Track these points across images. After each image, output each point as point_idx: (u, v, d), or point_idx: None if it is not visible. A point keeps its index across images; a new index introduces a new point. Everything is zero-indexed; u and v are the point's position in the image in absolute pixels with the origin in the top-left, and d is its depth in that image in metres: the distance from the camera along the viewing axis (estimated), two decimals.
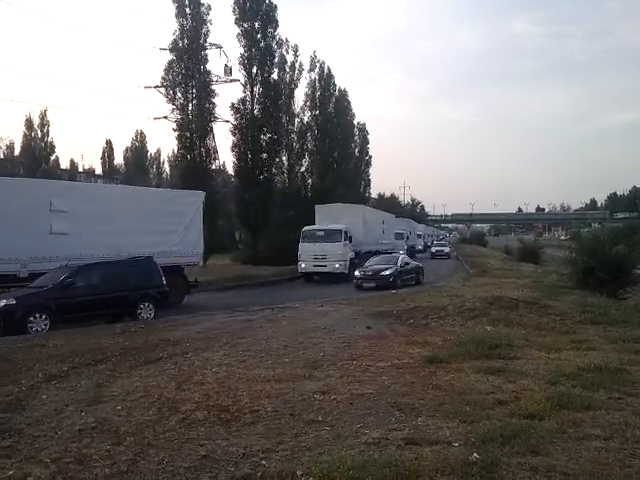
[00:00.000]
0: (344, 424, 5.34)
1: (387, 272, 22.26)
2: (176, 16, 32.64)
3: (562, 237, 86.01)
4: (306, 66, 45.08)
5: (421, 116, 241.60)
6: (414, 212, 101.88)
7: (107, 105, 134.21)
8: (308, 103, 45.90)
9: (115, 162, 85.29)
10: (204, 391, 6.52)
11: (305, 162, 44.87)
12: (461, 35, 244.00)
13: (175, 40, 32.77)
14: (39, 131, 63.66)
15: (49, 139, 64.48)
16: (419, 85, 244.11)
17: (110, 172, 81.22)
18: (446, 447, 4.70)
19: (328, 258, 26.35)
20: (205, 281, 25.27)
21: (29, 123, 63.06)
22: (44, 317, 12.43)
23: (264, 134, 35.29)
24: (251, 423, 5.47)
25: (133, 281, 14.20)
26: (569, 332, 10.28)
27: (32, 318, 12.26)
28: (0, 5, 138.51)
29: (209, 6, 33.02)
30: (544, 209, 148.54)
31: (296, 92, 43.32)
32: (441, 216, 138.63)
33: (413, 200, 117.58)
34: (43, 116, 63.35)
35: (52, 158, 65.94)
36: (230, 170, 39.91)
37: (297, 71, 43.12)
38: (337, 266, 25.91)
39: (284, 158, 41.70)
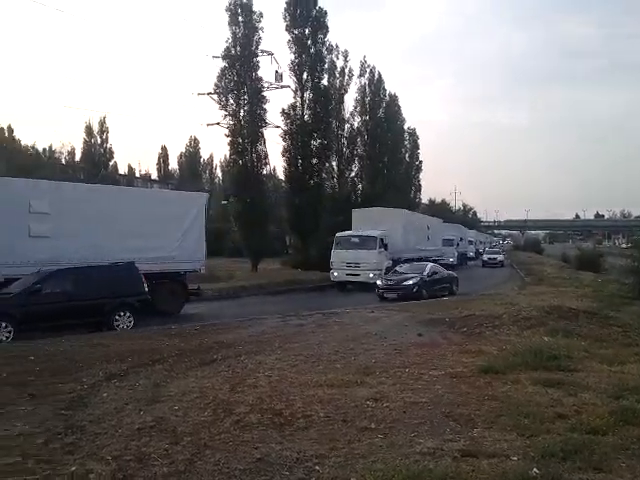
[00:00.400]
0: (398, 432, 5.28)
1: (410, 282, 20.47)
2: (229, 24, 33.25)
3: (623, 245, 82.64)
4: (356, 71, 45.16)
5: (472, 120, 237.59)
6: (466, 218, 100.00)
7: (163, 112, 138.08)
8: (358, 108, 45.86)
9: (170, 167, 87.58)
10: (257, 394, 6.59)
11: (355, 167, 44.82)
12: (512, 36, 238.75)
13: (228, 48, 33.35)
14: (99, 137, 65.94)
15: (108, 145, 66.71)
16: (469, 88, 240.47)
17: (165, 177, 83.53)
18: (504, 460, 4.58)
19: (362, 267, 25.05)
20: (256, 285, 25.67)
21: (89, 130, 65.42)
22: (6, 326, 11.68)
23: (314, 139, 35.47)
24: (304, 428, 5.48)
25: (111, 288, 13.33)
26: (632, 344, 9.87)
27: None
28: (62, 15, 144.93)
29: (261, 14, 33.50)
30: (603, 215, 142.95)
31: (346, 97, 43.41)
32: (494, 222, 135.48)
33: (465, 206, 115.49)
34: (102, 123, 65.60)
35: (111, 164, 68.21)
36: (280, 175, 40.40)
37: (347, 76, 43.21)
38: (371, 275, 24.07)
39: (334, 163, 41.77)
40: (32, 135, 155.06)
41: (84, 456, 4.76)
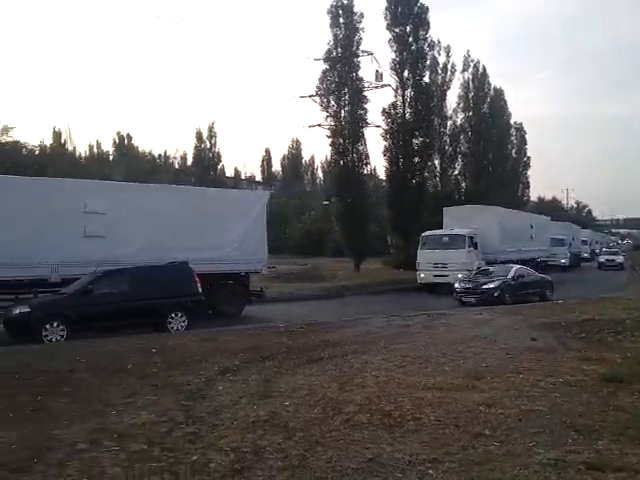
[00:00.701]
0: (514, 441, 5.06)
1: (491, 285, 18.76)
2: (330, 26, 33.69)
3: None
4: (459, 66, 44.03)
5: (587, 112, 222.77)
6: (579, 216, 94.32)
7: (266, 115, 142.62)
8: (461, 104, 44.66)
9: (273, 169, 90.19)
10: (365, 394, 6.59)
11: (458, 165, 43.73)
12: (620, 25, 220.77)
13: (329, 50, 33.80)
14: (208, 142, 69.23)
15: (216, 149, 69.94)
16: (581, 79, 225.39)
17: (269, 179, 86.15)
18: (634, 475, 4.27)
19: (449, 267, 23.61)
20: (358, 284, 25.80)
21: (199, 135, 68.97)
22: (59, 326, 11.86)
23: (416, 138, 34.98)
24: (414, 430, 5.41)
25: (164, 289, 13.17)
26: None
27: (48, 326, 11.75)
28: (170, 26, 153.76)
29: (362, 14, 33.63)
30: None
31: (448, 94, 42.53)
32: (611, 221, 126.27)
33: (578, 203, 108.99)
34: (211, 128, 68.92)
35: (219, 167, 71.47)
36: (381, 175, 40.25)
37: (449, 72, 42.38)
38: (460, 276, 22.14)
39: (436, 161, 41.01)
40: (149, 142, 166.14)
41: (204, 446, 4.99)
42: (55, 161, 54.22)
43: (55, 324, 11.84)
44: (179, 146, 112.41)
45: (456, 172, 43.47)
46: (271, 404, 6.27)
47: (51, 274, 13.88)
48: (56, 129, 70.52)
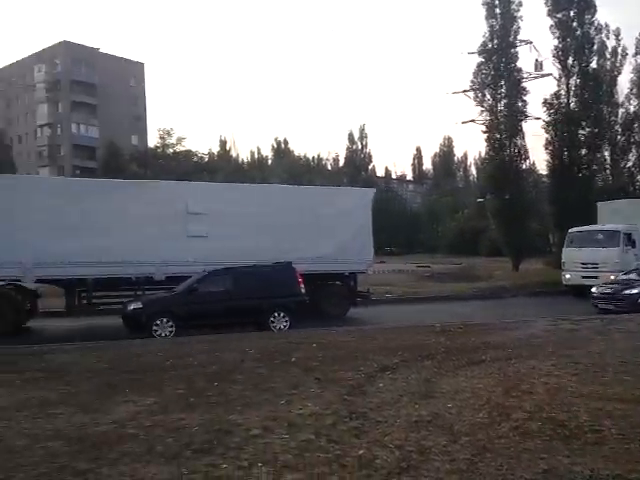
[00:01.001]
0: None
1: (635, 291, 16.01)
2: (486, 18, 32.51)
3: None
4: (630, 50, 39.75)
5: None
6: None
7: (417, 113, 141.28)
8: (634, 90, 40.27)
9: (424, 167, 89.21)
10: (534, 401, 6.21)
11: (632, 156, 39.47)
12: None
13: (484, 42, 32.60)
14: (359, 143, 70.68)
15: (367, 150, 71.06)
16: None
17: (420, 177, 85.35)
18: None
19: (600, 268, 20.85)
20: (517, 285, 24.51)
21: (351, 137, 70.58)
22: (169, 322, 12.51)
23: (582, 128, 32.35)
24: (594, 443, 4.96)
25: (268, 289, 13.30)
26: None
27: (158, 322, 12.44)
28: (321, 30, 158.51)
29: (520, 2, 32.01)
30: None
31: (619, 79, 38.74)
32: None
33: None
34: (362, 129, 70.18)
35: (370, 167, 72.49)
36: (541, 169, 37.80)
37: (620, 56, 38.65)
38: (612, 278, 19.29)
39: (606, 153, 37.47)
40: (303, 145, 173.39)
41: (369, 442, 5.04)
42: (221, 167, 58.91)
43: (164, 320, 12.53)
44: (331, 148, 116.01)
45: (629, 164, 39.30)
46: (433, 404, 6.16)
47: (156, 272, 14.74)
48: (222, 138, 76.95)
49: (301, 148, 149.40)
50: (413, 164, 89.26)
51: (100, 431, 5.48)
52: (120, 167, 54.01)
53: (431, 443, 4.97)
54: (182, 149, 61.35)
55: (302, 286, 13.79)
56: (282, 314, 13.38)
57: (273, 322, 13.30)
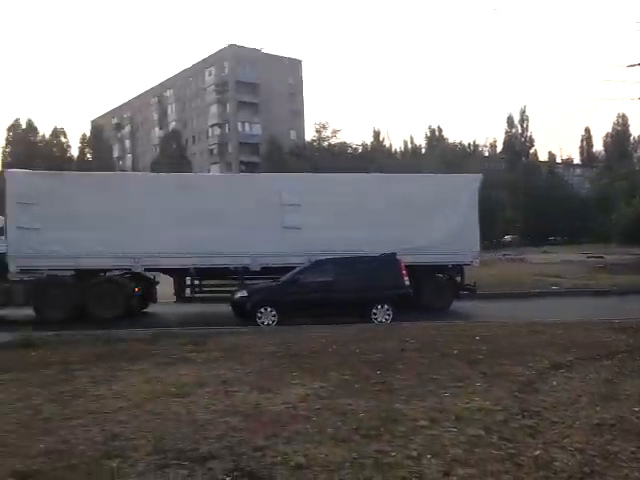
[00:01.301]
0: None
1: None
2: None
3: None
4: None
5: None
6: None
7: (585, 92, 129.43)
8: None
9: (594, 149, 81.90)
10: None
11: None
12: None
13: None
14: (519, 127, 66.76)
15: (528, 134, 66.87)
16: None
17: (589, 160, 78.56)
18: None
19: None
20: None
21: (510, 121, 66.90)
22: (272, 311, 12.67)
23: None
24: None
25: (371, 280, 13.06)
26: None
27: (262, 310, 12.66)
28: (484, 15, 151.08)
29: None
30: None
31: None
32: None
33: None
34: (523, 112, 66.22)
35: (531, 152, 68.19)
36: None
37: None
38: None
39: None
40: (458, 133, 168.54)
41: (545, 442, 4.75)
42: (375, 157, 59.53)
43: (268, 309, 12.80)
44: (488, 134, 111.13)
45: None
46: (617, 407, 5.64)
47: (251, 263, 14.97)
48: (375, 129, 77.69)
49: (456, 135, 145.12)
50: (581, 146, 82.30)
51: (274, 410, 5.83)
52: (281, 161, 56.95)
53: (617, 448, 4.58)
54: (337, 141, 63.05)
55: (406, 278, 13.44)
56: (385, 306, 13.15)
57: (375, 314, 13.10)
